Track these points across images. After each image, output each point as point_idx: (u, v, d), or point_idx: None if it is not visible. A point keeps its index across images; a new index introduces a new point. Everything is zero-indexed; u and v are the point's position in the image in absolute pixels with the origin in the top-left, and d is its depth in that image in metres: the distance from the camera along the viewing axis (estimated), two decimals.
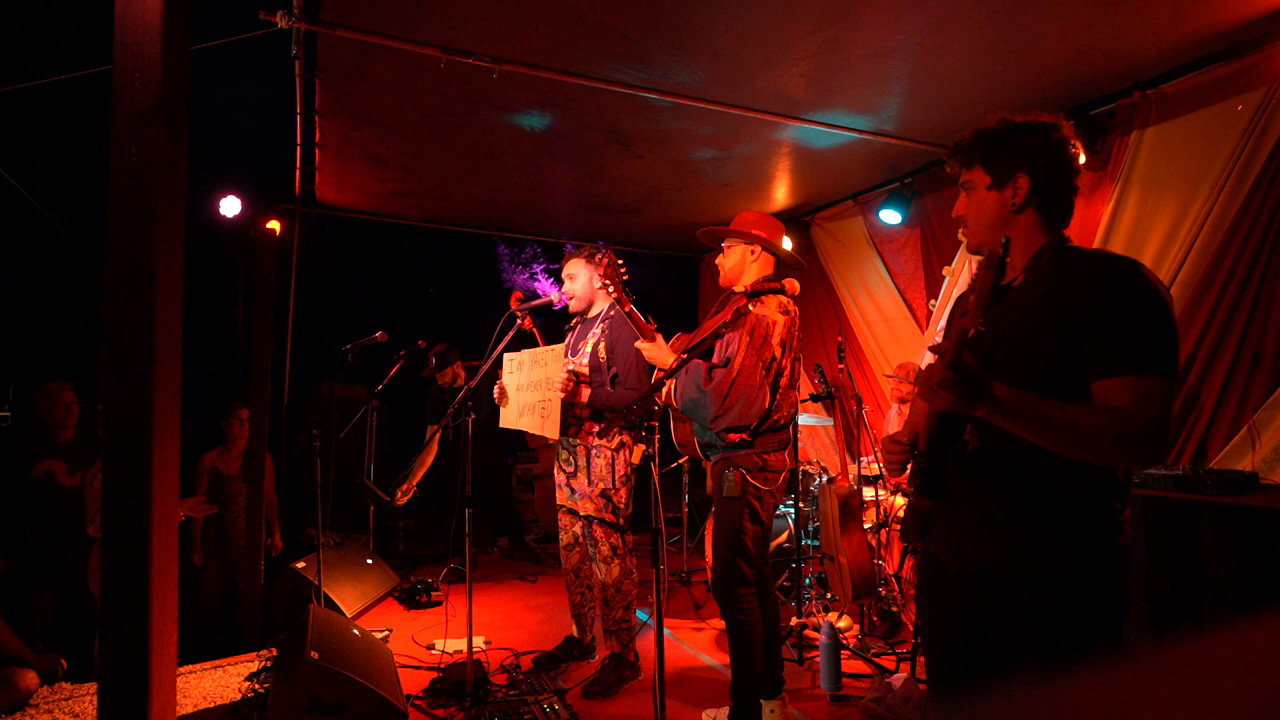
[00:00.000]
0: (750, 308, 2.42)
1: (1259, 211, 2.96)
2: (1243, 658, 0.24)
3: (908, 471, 1.49)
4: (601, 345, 3.07)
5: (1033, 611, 1.28)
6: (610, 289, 2.70)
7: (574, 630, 3.35)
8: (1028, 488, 1.29)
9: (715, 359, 2.52)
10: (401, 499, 4.78)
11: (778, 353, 2.46)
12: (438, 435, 4.88)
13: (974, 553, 1.35)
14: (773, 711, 2.54)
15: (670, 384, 2.56)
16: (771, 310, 2.48)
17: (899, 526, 3.66)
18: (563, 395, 2.90)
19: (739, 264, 2.64)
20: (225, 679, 3.10)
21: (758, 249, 2.63)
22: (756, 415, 2.41)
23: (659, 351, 2.60)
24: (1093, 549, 1.27)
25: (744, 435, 2.46)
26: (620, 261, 2.74)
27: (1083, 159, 3.53)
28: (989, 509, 1.33)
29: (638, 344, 2.68)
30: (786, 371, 2.52)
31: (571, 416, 3.07)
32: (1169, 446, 3.17)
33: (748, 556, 2.49)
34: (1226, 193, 3.06)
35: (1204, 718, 0.21)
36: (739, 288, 2.39)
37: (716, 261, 2.72)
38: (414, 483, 4.78)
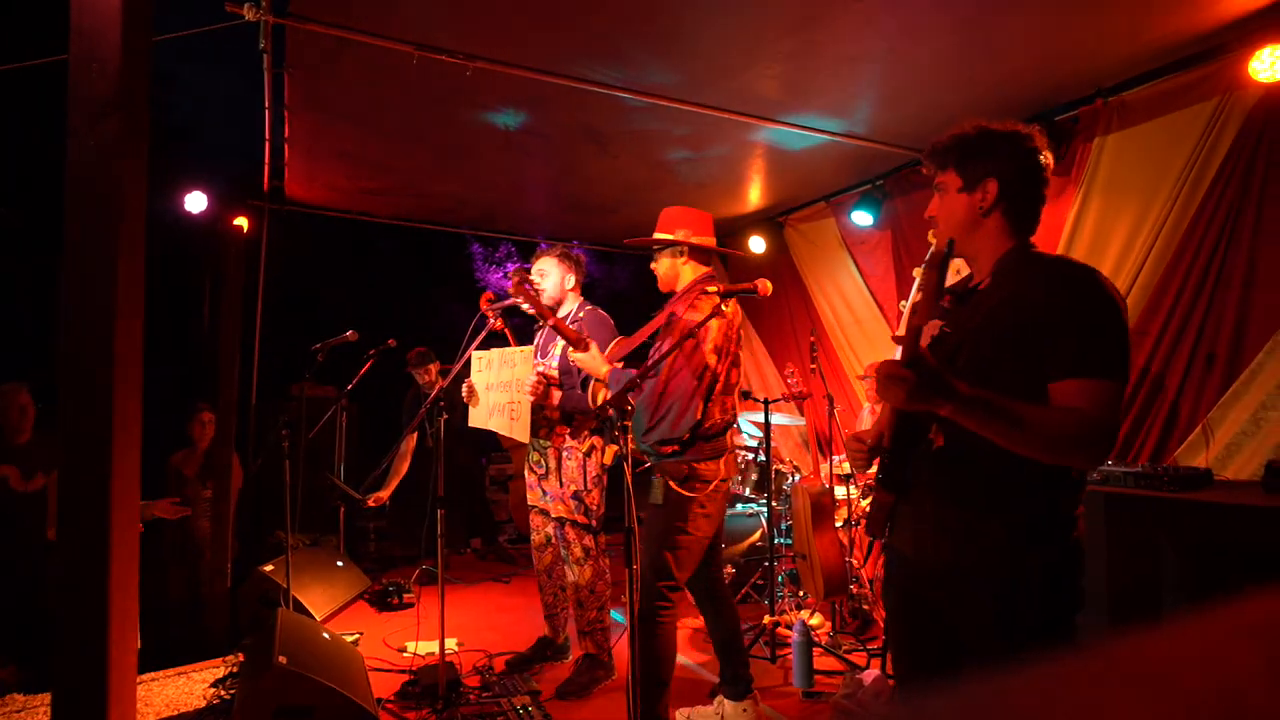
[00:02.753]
0: (682, 313, 2.36)
1: (1212, 218, 3.05)
2: (1196, 650, 0.25)
3: (873, 469, 1.52)
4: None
5: (988, 606, 1.32)
6: (523, 304, 2.65)
7: (547, 631, 3.33)
8: (984, 486, 1.33)
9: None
10: (372, 503, 4.71)
11: (711, 360, 2.33)
12: (412, 442, 4.82)
13: (934, 548, 1.39)
14: (745, 710, 2.55)
15: (603, 392, 2.49)
16: (704, 313, 2.26)
17: (864, 522, 3.71)
18: (533, 399, 2.88)
19: (671, 270, 2.58)
20: (189, 686, 3.03)
21: (684, 251, 2.56)
22: (688, 427, 2.30)
23: (593, 360, 2.50)
24: (1045, 547, 1.30)
25: (674, 447, 2.36)
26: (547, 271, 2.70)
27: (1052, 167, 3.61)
28: (947, 506, 1.37)
29: (572, 355, 2.60)
30: (721, 378, 2.40)
31: (542, 419, 3.05)
32: (1130, 444, 3.26)
33: (667, 571, 2.34)
34: (1182, 199, 3.15)
35: (1158, 711, 0.22)
36: (679, 289, 2.35)
37: (651, 268, 2.65)
38: (386, 495, 4.71)
